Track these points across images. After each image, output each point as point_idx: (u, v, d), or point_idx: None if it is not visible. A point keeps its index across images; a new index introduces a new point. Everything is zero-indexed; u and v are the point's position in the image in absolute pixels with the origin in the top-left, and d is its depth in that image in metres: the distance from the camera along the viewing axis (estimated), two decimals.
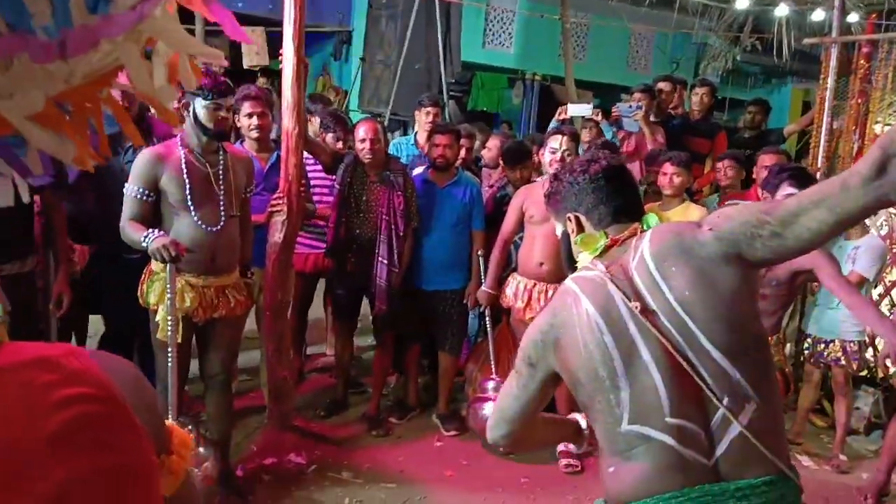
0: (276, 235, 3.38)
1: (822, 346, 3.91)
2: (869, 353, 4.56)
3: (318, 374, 4.52)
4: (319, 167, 4.01)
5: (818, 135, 5.46)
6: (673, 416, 1.31)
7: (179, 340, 2.76)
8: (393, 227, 3.74)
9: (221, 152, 2.92)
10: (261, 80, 7.88)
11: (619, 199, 1.56)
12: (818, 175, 5.22)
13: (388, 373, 4.21)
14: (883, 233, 4.88)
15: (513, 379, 1.54)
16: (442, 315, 3.94)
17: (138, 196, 2.78)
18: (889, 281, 4.68)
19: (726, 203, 4.17)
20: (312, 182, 4.07)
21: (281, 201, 3.34)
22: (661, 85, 5.31)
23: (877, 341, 4.51)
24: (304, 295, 4.20)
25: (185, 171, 2.80)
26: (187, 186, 2.80)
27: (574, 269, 1.59)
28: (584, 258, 1.54)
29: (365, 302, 3.98)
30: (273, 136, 3.84)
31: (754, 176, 4.35)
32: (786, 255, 1.35)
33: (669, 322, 1.35)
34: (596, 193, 1.56)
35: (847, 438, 4.08)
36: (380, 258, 3.74)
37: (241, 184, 3.00)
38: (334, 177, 3.85)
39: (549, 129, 4.25)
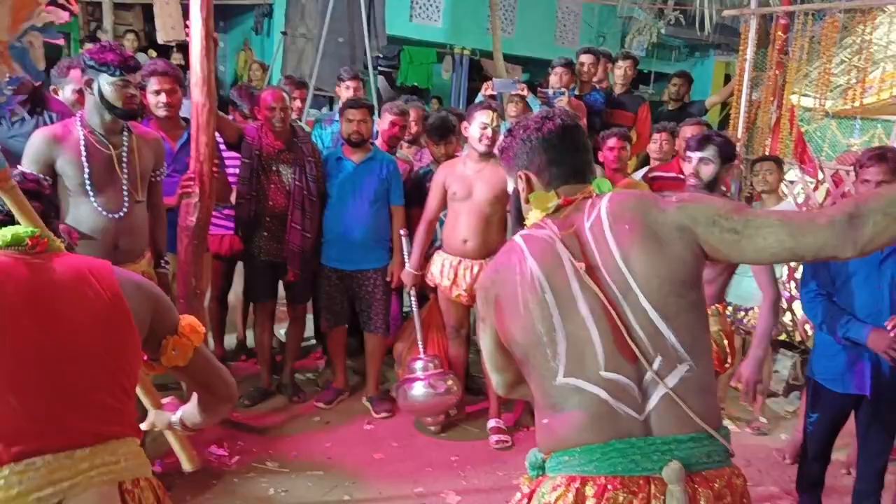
0: (189, 219, 3.21)
1: (742, 313, 4.00)
2: (787, 318, 4.72)
3: (243, 363, 4.36)
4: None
5: (738, 106, 5.57)
6: (607, 370, 1.34)
7: None
8: (305, 192, 3.69)
9: (126, 133, 2.73)
10: (176, 56, 7.54)
11: (571, 160, 1.56)
12: (738, 146, 5.34)
13: (301, 342, 4.16)
14: (800, 201, 5.03)
15: (480, 331, 1.63)
16: (365, 295, 3.86)
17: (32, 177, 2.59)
18: None
19: (650, 175, 4.20)
20: (227, 161, 3.91)
21: (192, 182, 3.17)
22: (584, 58, 5.29)
23: (794, 306, 4.67)
24: (222, 279, 4.06)
25: (84, 153, 2.61)
26: (86, 170, 2.62)
27: (522, 226, 1.58)
28: (534, 215, 1.54)
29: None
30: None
31: (677, 147, 4.38)
32: (732, 255, 1.39)
33: (612, 279, 1.38)
34: (548, 153, 1.55)
35: (767, 401, 4.21)
36: (293, 224, 3.69)
37: (149, 166, 2.82)
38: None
39: (474, 104, 4.19)
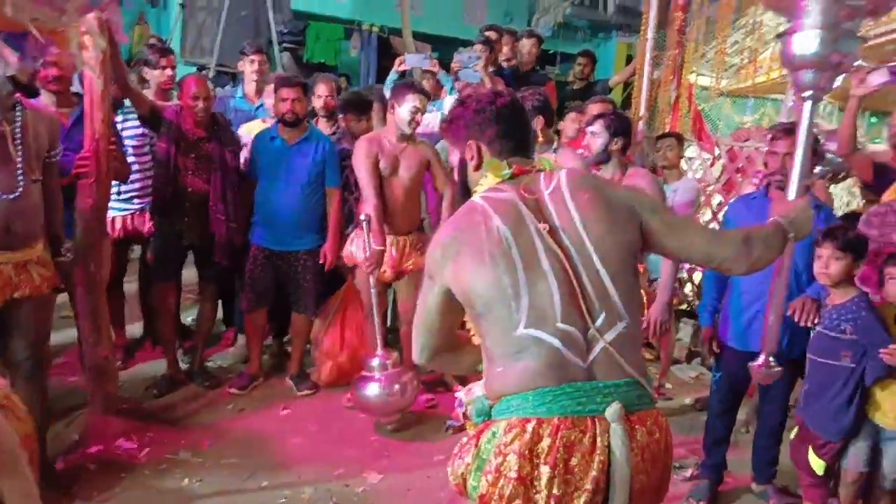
0: (86, 200, 3.03)
1: (647, 283, 4.16)
2: (688, 289, 4.95)
3: (148, 352, 4.17)
4: (135, 121, 3.70)
5: (640, 85, 5.75)
6: (562, 322, 1.46)
7: None
8: (227, 181, 3.64)
9: (19, 109, 2.54)
10: None
11: (521, 134, 1.67)
12: (640, 123, 5.52)
13: (213, 325, 4.06)
14: (698, 176, 5.26)
15: (421, 293, 1.64)
16: (296, 276, 3.78)
17: None
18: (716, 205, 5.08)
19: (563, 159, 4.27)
20: (128, 136, 3.74)
21: (87, 161, 2.99)
22: (488, 34, 5.32)
23: (694, 276, 4.90)
24: (116, 264, 3.87)
25: None
26: None
27: (467, 197, 1.68)
28: (488, 181, 1.62)
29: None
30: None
31: (582, 125, 4.47)
32: (658, 244, 1.62)
33: (570, 241, 1.52)
34: (500, 125, 1.64)
35: (671, 368, 4.41)
36: (217, 215, 3.64)
37: (44, 145, 2.64)
38: (148, 131, 3.71)
39: (394, 83, 4.15)
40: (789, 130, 2.82)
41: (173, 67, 4.05)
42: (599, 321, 1.48)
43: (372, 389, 3.39)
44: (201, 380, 3.82)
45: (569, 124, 4.62)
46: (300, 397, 3.79)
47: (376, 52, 9.89)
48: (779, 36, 2.07)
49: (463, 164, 1.69)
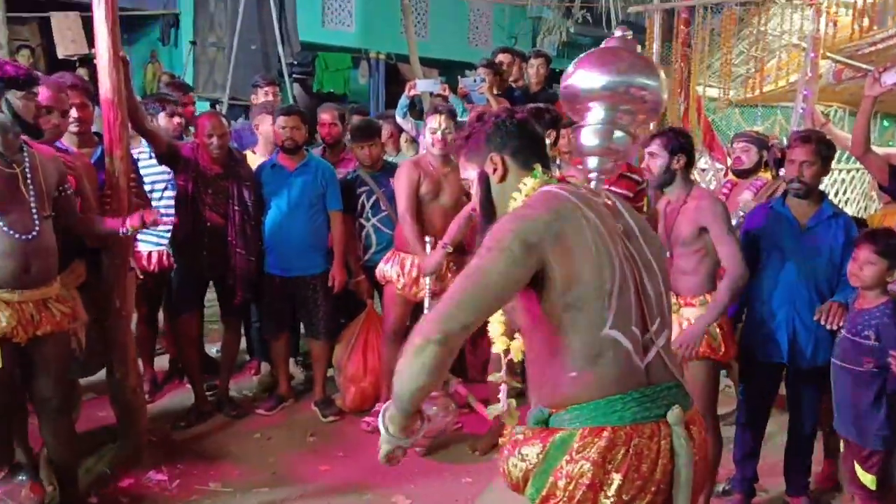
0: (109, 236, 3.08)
1: None
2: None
3: (177, 385, 4.21)
4: (153, 159, 3.77)
5: None
6: (634, 326, 1.49)
7: None
8: (245, 217, 3.71)
9: (26, 150, 2.58)
10: (81, 71, 7.21)
11: (538, 147, 1.69)
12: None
13: (237, 355, 4.11)
14: (712, 186, 5.26)
15: (495, 258, 1.41)
16: (307, 301, 3.83)
17: None
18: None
19: (568, 173, 4.29)
20: (147, 174, 3.81)
21: (108, 199, 3.05)
22: (501, 57, 5.38)
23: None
24: (151, 296, 3.93)
25: None
26: None
27: (490, 212, 1.65)
28: (531, 184, 1.60)
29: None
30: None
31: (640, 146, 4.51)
32: None
33: (634, 247, 1.56)
34: (522, 138, 1.65)
35: None
36: (236, 249, 3.69)
37: (52, 183, 2.66)
38: (167, 169, 3.75)
39: (402, 105, 4.22)
40: (806, 138, 2.85)
41: (193, 103, 4.14)
42: (655, 326, 1.53)
43: None
44: (228, 409, 3.84)
45: (567, 140, 4.65)
46: (326, 423, 3.80)
47: (384, 78, 10.03)
48: (573, 127, 2.48)
49: (483, 178, 1.66)
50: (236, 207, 3.68)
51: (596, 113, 2.28)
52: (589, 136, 2.32)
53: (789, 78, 6.27)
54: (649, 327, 1.51)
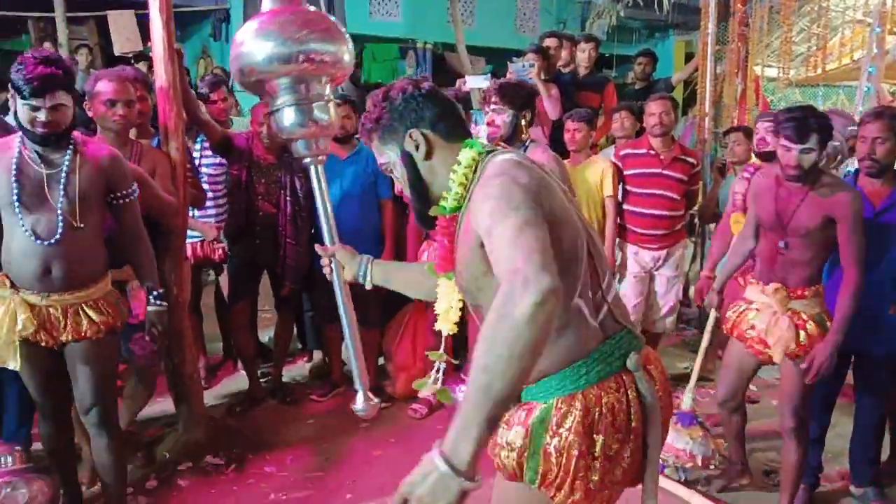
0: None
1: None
2: None
3: (230, 370, 4.29)
4: (208, 150, 3.84)
5: (703, 81, 5.62)
6: (592, 290, 1.46)
7: (17, 367, 2.39)
8: (296, 207, 3.73)
9: (70, 151, 2.40)
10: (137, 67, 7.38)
11: (458, 114, 1.57)
12: (706, 120, 5.39)
13: (290, 343, 4.16)
14: None
15: (527, 220, 1.24)
16: (358, 290, 3.82)
17: None
18: None
19: (622, 153, 4.20)
20: (206, 165, 3.89)
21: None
22: (548, 42, 5.30)
23: None
24: (193, 288, 4.01)
25: (14, 171, 2.34)
26: (14, 190, 2.33)
27: (423, 193, 1.53)
28: (470, 153, 1.48)
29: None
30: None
31: (644, 125, 4.40)
32: None
33: (574, 207, 1.50)
34: (437, 107, 1.53)
35: None
36: (287, 239, 3.72)
37: (92, 189, 2.43)
38: (221, 159, 3.81)
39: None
40: (878, 114, 2.72)
41: (225, 99, 4.21)
42: (605, 283, 1.51)
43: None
44: (281, 396, 3.90)
45: (620, 124, 4.57)
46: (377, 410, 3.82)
47: (431, 68, 10.01)
48: (270, 114, 2.30)
49: (408, 157, 1.52)
50: (288, 197, 3.72)
51: (285, 93, 2.14)
52: (288, 119, 2.18)
53: (853, 55, 5.99)
54: (602, 285, 1.50)
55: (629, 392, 1.45)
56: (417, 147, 1.51)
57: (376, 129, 1.57)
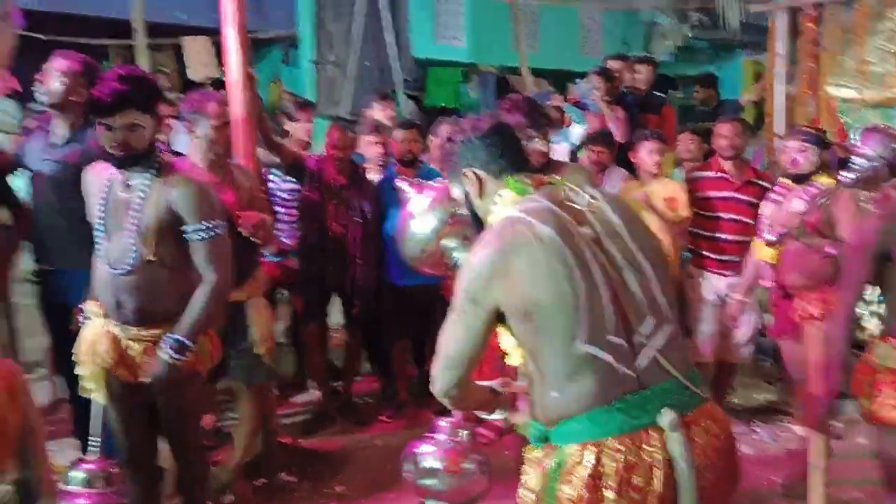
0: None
1: None
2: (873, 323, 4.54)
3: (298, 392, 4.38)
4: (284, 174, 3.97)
5: (771, 102, 5.50)
6: (614, 335, 1.43)
7: (102, 400, 2.36)
8: (366, 229, 3.81)
9: (150, 175, 2.26)
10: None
11: (512, 151, 1.66)
12: (776, 140, 5.26)
13: (359, 364, 4.23)
14: None
15: (456, 321, 1.55)
16: (423, 310, 3.89)
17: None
18: None
19: (692, 176, 4.15)
20: (279, 190, 4.02)
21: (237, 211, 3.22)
22: (612, 63, 5.31)
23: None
24: None
25: (103, 192, 2.30)
26: (99, 212, 2.30)
27: (480, 228, 1.67)
28: (506, 199, 1.60)
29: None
30: None
31: (714, 147, 4.34)
32: None
33: (614, 245, 1.51)
34: (491, 148, 1.65)
35: (840, 401, 4.07)
36: (357, 260, 3.80)
37: (164, 219, 2.25)
38: (292, 180, 3.91)
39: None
40: None
41: (310, 120, 4.35)
42: (647, 327, 1.46)
43: (432, 475, 2.51)
44: (351, 416, 3.96)
45: (686, 147, 4.55)
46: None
47: (494, 91, 10.07)
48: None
49: (465, 196, 1.69)
50: (357, 219, 3.80)
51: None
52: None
53: None
54: (637, 329, 1.46)
55: (653, 451, 1.39)
56: (472, 185, 1.65)
57: (444, 167, 1.74)
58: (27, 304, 3.70)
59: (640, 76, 5.47)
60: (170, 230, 2.26)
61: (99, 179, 2.35)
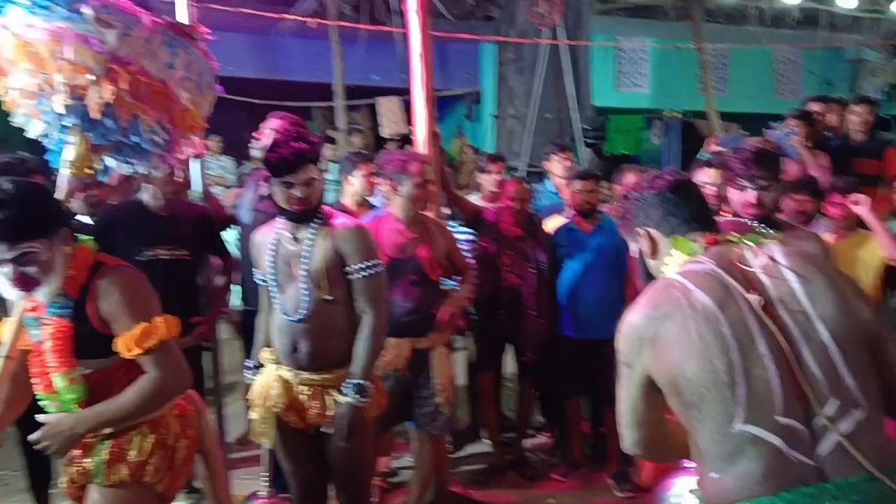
0: None
1: None
2: None
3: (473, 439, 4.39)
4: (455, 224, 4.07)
5: None
6: (783, 415, 1.28)
7: (268, 444, 2.52)
8: (539, 279, 3.80)
9: (315, 226, 2.43)
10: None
11: (689, 209, 1.58)
12: None
13: (531, 417, 4.16)
14: None
15: (620, 383, 1.54)
16: (602, 365, 3.75)
17: (258, 281, 2.58)
18: None
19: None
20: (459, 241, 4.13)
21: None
22: (813, 106, 4.89)
23: None
24: None
25: (270, 251, 2.46)
26: (270, 269, 2.46)
27: None
28: (674, 259, 1.54)
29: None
30: None
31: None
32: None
33: (790, 315, 1.35)
34: (664, 205, 1.59)
35: None
36: (530, 311, 3.78)
37: (335, 262, 2.40)
38: (469, 231, 3.96)
39: (697, 162, 4.04)
40: None
41: (500, 172, 4.46)
42: (831, 409, 1.28)
43: None
44: (523, 470, 3.89)
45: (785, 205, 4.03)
46: (620, 499, 3.65)
47: (679, 137, 9.74)
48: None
49: (639, 254, 1.65)
50: (532, 269, 3.80)
51: None
52: None
53: None
54: (817, 412, 1.28)
55: None
56: (645, 244, 1.61)
57: (622, 226, 1.72)
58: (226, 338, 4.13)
59: (857, 118, 4.98)
60: (336, 272, 2.40)
61: (266, 239, 2.52)
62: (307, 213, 2.41)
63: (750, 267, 1.42)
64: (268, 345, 2.56)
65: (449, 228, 4.04)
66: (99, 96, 1.95)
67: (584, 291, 3.77)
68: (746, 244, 1.49)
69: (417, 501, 3.20)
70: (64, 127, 2.04)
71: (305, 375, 2.41)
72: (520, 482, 3.82)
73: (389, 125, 8.58)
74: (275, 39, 7.90)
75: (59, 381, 1.90)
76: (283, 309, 2.42)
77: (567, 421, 4.01)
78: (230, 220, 3.69)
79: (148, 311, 1.91)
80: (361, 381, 2.37)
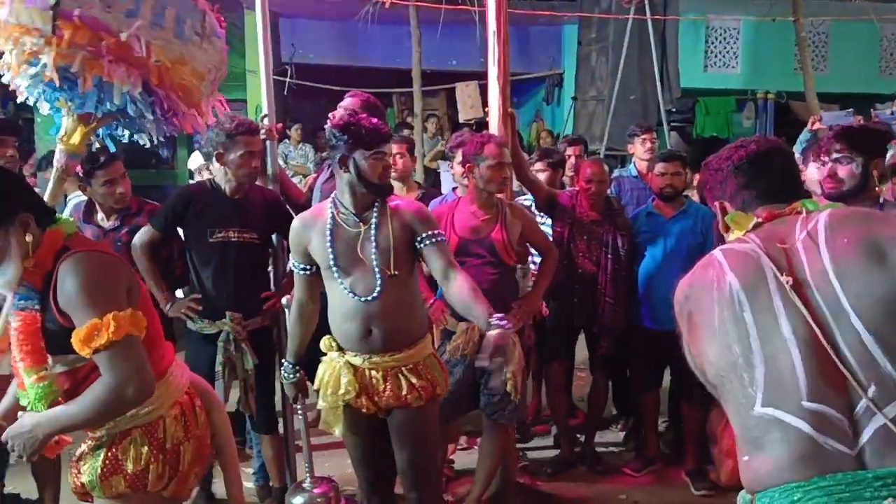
0: None
1: None
2: None
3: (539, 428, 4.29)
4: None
5: None
6: (811, 401, 1.23)
7: (338, 433, 2.49)
8: (617, 266, 3.64)
9: (377, 207, 2.43)
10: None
11: (765, 182, 1.51)
12: None
13: (603, 409, 3.99)
14: None
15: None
16: (680, 358, 3.56)
17: (298, 272, 2.55)
18: None
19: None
20: None
21: None
22: None
23: None
24: None
25: (328, 235, 2.42)
26: (330, 253, 2.40)
27: None
28: (734, 236, 1.49)
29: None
30: None
31: None
32: None
33: (822, 296, 1.28)
34: (738, 179, 1.53)
35: None
36: (606, 298, 3.63)
37: (404, 238, 2.41)
38: (541, 216, 3.84)
39: (802, 140, 3.82)
40: None
41: (578, 156, 4.32)
42: (871, 394, 1.21)
43: None
44: (592, 463, 3.76)
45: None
46: (697, 497, 3.48)
47: (773, 118, 9.25)
48: None
49: (716, 230, 1.61)
50: (609, 255, 3.64)
51: None
52: None
53: None
54: (861, 395, 1.20)
55: None
56: (719, 218, 1.56)
57: (702, 195, 1.58)
58: None
59: None
60: (404, 248, 2.40)
61: (316, 224, 2.46)
62: (390, 188, 2.46)
63: (791, 244, 1.36)
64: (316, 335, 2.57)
65: (526, 209, 3.96)
66: (51, 57, 1.82)
67: (663, 280, 3.57)
68: (795, 216, 1.43)
69: (482, 491, 3.13)
70: (53, 98, 1.94)
71: (377, 359, 2.40)
72: (589, 476, 3.70)
73: (466, 110, 8.51)
74: (355, 26, 7.94)
75: (26, 378, 1.74)
76: (353, 292, 2.39)
77: (643, 414, 3.85)
78: (307, 206, 3.69)
79: (106, 304, 1.64)
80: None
